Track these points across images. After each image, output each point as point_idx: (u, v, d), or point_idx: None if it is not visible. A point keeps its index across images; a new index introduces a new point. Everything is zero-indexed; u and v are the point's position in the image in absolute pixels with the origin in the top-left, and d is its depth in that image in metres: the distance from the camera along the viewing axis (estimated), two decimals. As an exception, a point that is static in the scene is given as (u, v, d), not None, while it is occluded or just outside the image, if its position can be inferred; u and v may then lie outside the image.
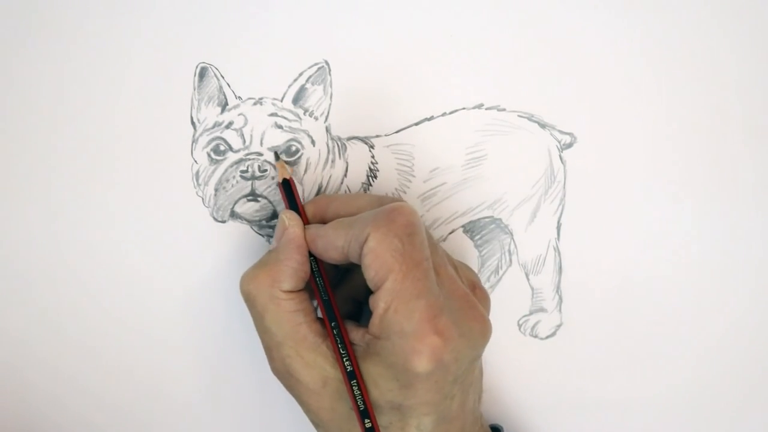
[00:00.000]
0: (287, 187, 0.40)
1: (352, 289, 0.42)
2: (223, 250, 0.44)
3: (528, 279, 0.45)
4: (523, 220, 0.45)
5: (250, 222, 0.44)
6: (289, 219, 0.39)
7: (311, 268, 0.39)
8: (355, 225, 0.37)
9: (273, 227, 0.44)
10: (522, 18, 0.43)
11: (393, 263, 0.35)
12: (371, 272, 0.36)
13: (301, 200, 0.41)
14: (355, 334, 0.38)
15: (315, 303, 0.40)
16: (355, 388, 0.37)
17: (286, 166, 0.42)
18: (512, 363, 0.46)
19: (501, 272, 0.46)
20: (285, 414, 0.46)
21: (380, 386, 0.36)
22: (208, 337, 0.45)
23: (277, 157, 0.42)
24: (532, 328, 0.46)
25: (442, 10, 0.42)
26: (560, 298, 0.46)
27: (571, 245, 0.45)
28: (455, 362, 0.36)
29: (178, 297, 0.45)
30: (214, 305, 0.45)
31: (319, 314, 0.39)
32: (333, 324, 0.38)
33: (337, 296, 0.42)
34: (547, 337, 0.46)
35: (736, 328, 0.46)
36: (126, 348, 0.46)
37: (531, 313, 0.46)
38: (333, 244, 0.37)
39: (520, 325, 0.46)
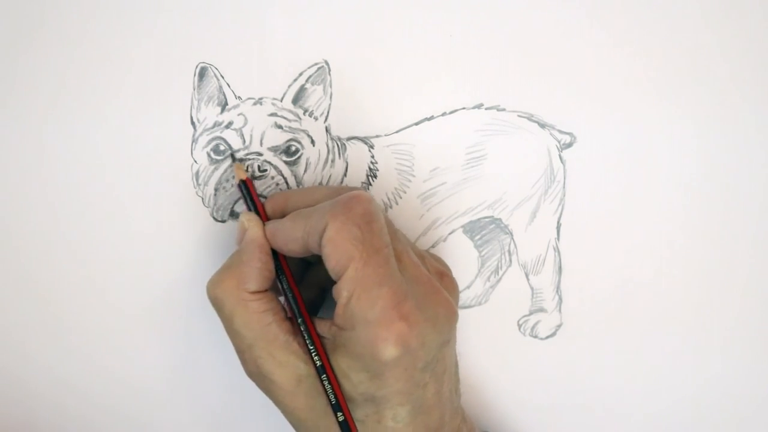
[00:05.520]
0: (245, 188, 0.41)
1: (317, 278, 0.42)
2: (223, 250, 0.44)
3: (528, 279, 0.45)
4: (523, 220, 0.45)
5: (250, 222, 0.44)
6: (248, 220, 0.39)
7: (276, 266, 0.39)
8: (312, 215, 0.37)
9: (273, 227, 0.44)
10: (522, 18, 0.43)
11: (353, 251, 0.35)
12: (332, 262, 0.35)
13: (260, 199, 0.41)
14: (323, 327, 0.38)
15: (282, 301, 0.40)
16: (326, 382, 0.36)
17: (242, 167, 0.42)
18: (512, 363, 0.46)
19: (501, 272, 0.46)
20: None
21: (351, 378, 0.36)
22: (210, 338, 0.45)
23: (233, 158, 0.42)
24: (532, 328, 0.46)
25: (442, 11, 0.42)
26: (560, 298, 0.45)
27: (571, 245, 0.45)
28: (422, 347, 0.35)
29: (179, 297, 0.45)
30: (214, 305, 0.45)
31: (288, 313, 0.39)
32: (300, 320, 0.38)
33: (303, 286, 0.42)
34: (547, 337, 0.46)
35: (737, 328, 0.46)
36: (125, 349, 0.46)
37: (531, 313, 0.46)
38: (292, 236, 0.37)
39: (520, 325, 0.46)
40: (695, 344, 0.46)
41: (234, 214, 0.44)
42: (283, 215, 0.39)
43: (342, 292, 0.35)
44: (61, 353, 0.46)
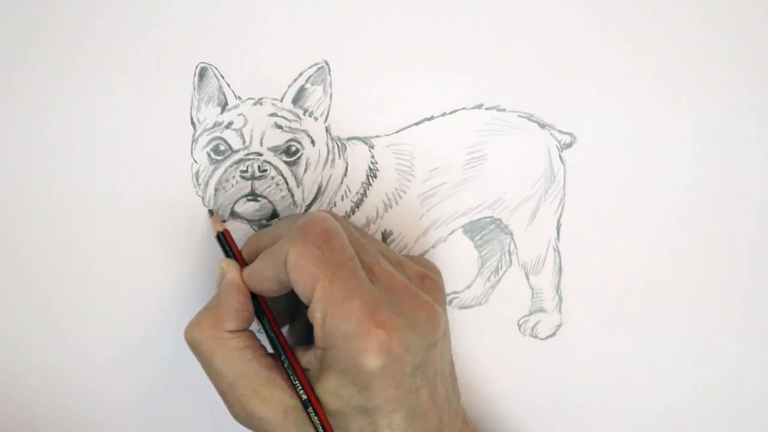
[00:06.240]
0: (223, 238, 0.41)
1: (305, 314, 0.42)
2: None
3: (528, 279, 0.45)
4: (523, 220, 0.45)
5: (250, 222, 0.44)
6: (226, 265, 0.40)
7: (255, 309, 0.39)
8: (275, 249, 0.37)
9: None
10: (522, 18, 0.43)
11: (316, 271, 0.35)
12: (299, 286, 0.36)
13: (237, 247, 0.41)
14: (308, 358, 0.38)
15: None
16: (313, 416, 0.37)
17: (219, 219, 0.43)
18: (512, 363, 0.46)
19: (501, 272, 0.46)
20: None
21: (342, 395, 0.36)
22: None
23: (210, 213, 0.43)
24: (532, 328, 0.46)
25: (442, 11, 0.42)
26: (560, 298, 0.46)
27: (571, 245, 0.45)
28: (407, 352, 0.35)
29: (179, 297, 0.45)
30: (214, 305, 0.45)
31: (269, 350, 0.39)
32: (283, 357, 0.38)
33: (294, 325, 0.42)
34: (547, 337, 0.46)
35: (737, 328, 0.46)
36: (125, 349, 0.46)
37: (531, 313, 0.46)
38: (264, 275, 0.38)
39: (520, 325, 0.46)
40: (695, 344, 0.46)
41: (234, 214, 0.44)
42: (257, 257, 0.40)
43: (315, 313, 0.35)
44: (61, 353, 0.46)
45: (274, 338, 0.39)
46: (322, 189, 0.44)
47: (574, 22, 0.43)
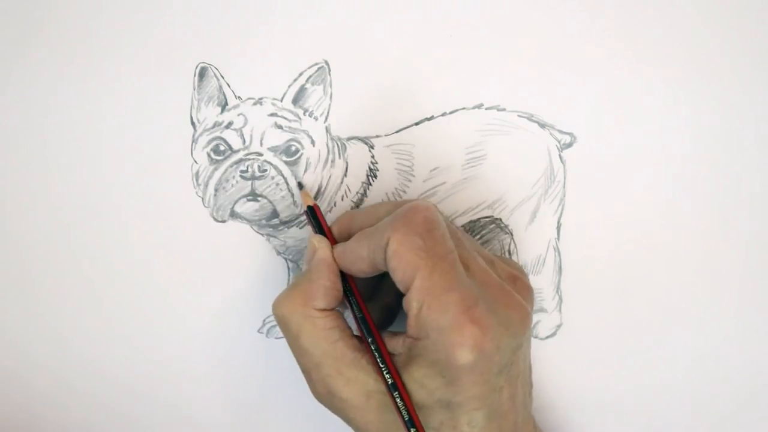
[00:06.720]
0: (312, 213, 0.41)
1: (384, 297, 0.42)
2: (223, 250, 0.44)
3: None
4: (523, 219, 0.45)
5: (250, 222, 0.44)
6: (318, 242, 0.39)
7: (344, 288, 0.39)
8: (375, 233, 0.37)
9: (273, 226, 0.44)
10: (521, 18, 0.43)
11: (417, 261, 0.35)
12: (398, 274, 0.36)
13: (326, 223, 0.41)
14: (395, 344, 0.38)
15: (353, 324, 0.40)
16: (398, 400, 0.36)
17: (309, 193, 0.42)
18: (512, 363, 0.46)
19: (501, 272, 0.46)
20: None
21: (427, 386, 0.36)
22: (209, 337, 0.45)
23: (300, 186, 0.43)
24: (533, 328, 0.46)
25: (442, 10, 0.42)
26: (560, 298, 0.45)
27: (571, 245, 0.45)
28: (497, 351, 0.35)
29: (178, 297, 0.45)
30: (214, 305, 0.45)
31: (355, 331, 0.39)
32: (370, 339, 0.38)
33: (371, 308, 0.42)
34: (547, 337, 0.46)
35: (737, 328, 0.46)
36: (125, 349, 0.46)
37: (531, 313, 0.46)
38: (358, 255, 0.38)
39: (520, 325, 0.46)
40: (695, 343, 0.46)
41: (234, 214, 0.44)
42: (349, 236, 0.40)
43: (412, 302, 0.35)
44: (61, 353, 0.46)
45: (362, 319, 0.38)
46: (322, 189, 0.44)
47: (574, 22, 0.43)
